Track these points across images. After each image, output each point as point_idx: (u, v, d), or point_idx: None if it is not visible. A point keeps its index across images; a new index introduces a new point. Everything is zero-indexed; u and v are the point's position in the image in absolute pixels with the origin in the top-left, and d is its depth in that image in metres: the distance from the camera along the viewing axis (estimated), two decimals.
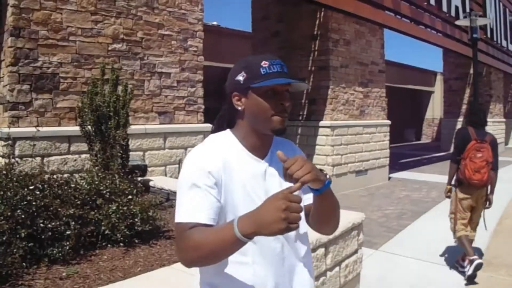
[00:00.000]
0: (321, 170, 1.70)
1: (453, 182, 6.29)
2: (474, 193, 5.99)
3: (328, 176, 1.72)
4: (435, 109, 33.51)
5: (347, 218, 4.46)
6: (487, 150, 5.81)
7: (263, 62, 1.75)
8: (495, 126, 24.45)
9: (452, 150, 6.49)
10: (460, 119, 24.44)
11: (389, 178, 14.44)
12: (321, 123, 12.00)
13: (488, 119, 22.40)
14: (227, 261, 1.70)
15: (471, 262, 5.65)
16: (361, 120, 13.09)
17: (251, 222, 1.45)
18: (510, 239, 7.66)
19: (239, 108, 1.79)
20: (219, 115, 1.94)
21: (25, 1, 6.04)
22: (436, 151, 24.50)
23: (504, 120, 26.62)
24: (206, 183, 1.66)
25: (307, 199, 1.86)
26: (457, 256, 6.29)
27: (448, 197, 6.40)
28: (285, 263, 1.80)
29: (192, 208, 1.64)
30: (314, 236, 3.75)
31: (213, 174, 1.67)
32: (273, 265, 1.76)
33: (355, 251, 4.61)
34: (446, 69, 25.61)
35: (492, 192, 6.09)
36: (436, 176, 15.19)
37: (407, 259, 6.70)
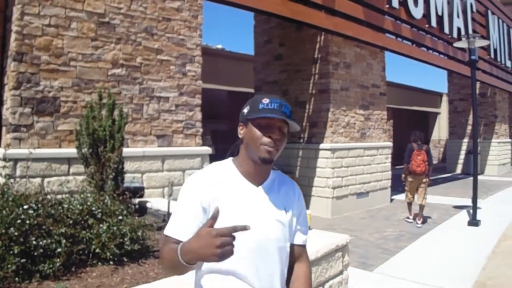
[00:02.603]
0: None
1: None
2: (416, 178, 10.79)
3: None
4: (441, 130, 33.50)
5: (330, 240, 4.57)
6: (423, 154, 10.59)
7: (264, 99, 1.98)
8: (500, 146, 24.47)
9: (406, 158, 10.86)
10: (466, 140, 24.45)
11: (391, 200, 14.50)
12: (322, 145, 12.13)
13: (493, 140, 22.77)
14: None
15: (414, 218, 11.03)
16: (362, 143, 13.21)
17: (189, 253, 1.71)
18: (506, 260, 7.67)
19: (240, 136, 2.05)
20: (235, 144, 2.17)
21: (28, 28, 6.27)
22: (441, 172, 24.42)
23: (509, 140, 26.64)
24: (195, 209, 1.95)
25: (293, 238, 2.18)
26: (411, 215, 11.23)
27: (404, 181, 11.16)
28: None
29: (176, 226, 1.94)
30: None
31: (202, 201, 1.94)
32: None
33: (340, 272, 4.70)
34: (451, 90, 25.69)
35: (428, 176, 10.88)
36: (438, 197, 15.24)
37: (401, 280, 6.73)
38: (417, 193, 11.02)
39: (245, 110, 2.03)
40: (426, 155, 10.60)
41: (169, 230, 1.96)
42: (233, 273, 1.93)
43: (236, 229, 1.65)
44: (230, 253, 1.63)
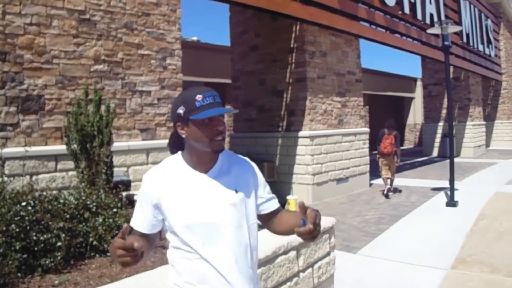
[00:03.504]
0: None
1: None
2: (386, 158, 12.62)
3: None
4: (416, 114, 33.91)
5: None
6: (391, 138, 12.35)
7: (197, 96, 2.08)
8: (475, 129, 24.84)
9: (377, 141, 12.61)
10: (441, 123, 24.80)
11: (370, 184, 14.76)
12: (300, 133, 12.29)
13: (468, 123, 23.21)
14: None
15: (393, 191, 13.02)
16: (339, 129, 13.41)
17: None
18: (484, 238, 7.94)
19: (183, 135, 2.15)
20: (172, 140, 2.30)
21: (9, 27, 6.28)
22: (418, 156, 24.82)
23: (484, 123, 27.02)
24: (147, 205, 2.17)
25: (266, 208, 2.36)
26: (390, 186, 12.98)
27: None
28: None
29: (135, 219, 2.22)
30: (286, 240, 4.07)
31: (153, 198, 2.14)
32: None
33: (328, 254, 4.88)
34: (425, 75, 26.04)
35: (398, 156, 12.65)
36: (417, 180, 15.58)
37: (384, 261, 6.95)
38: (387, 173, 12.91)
39: (181, 111, 2.10)
40: (394, 139, 12.42)
41: (133, 223, 2.23)
42: (195, 253, 2.09)
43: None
44: (130, 263, 1.87)
